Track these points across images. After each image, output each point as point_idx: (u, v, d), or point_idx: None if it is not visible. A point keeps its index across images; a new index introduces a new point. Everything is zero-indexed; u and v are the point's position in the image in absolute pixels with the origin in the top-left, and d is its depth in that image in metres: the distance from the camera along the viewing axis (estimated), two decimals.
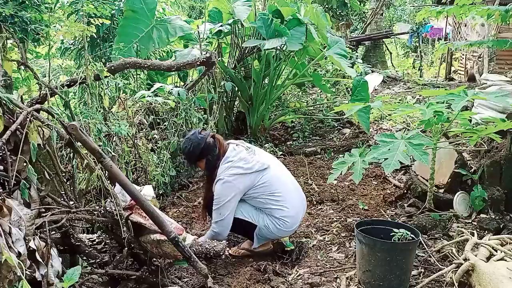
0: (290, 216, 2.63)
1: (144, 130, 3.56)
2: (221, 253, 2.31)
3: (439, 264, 2.46)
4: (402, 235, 2.25)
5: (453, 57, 10.36)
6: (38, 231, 1.76)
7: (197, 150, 2.64)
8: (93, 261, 2.09)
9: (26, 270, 1.49)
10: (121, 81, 3.35)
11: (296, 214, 2.68)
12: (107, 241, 2.28)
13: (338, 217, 3.26)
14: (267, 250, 2.78)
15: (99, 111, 2.82)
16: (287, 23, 4.67)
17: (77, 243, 2.02)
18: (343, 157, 2.93)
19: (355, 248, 2.64)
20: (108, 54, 3.97)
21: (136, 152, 3.26)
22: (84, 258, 2.10)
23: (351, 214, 3.31)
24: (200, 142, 2.63)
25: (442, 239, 2.75)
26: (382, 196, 3.62)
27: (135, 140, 3.23)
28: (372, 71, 8.55)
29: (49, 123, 1.96)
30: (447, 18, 10.38)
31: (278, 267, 2.61)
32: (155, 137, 3.67)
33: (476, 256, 2.28)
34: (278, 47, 4.63)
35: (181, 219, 3.34)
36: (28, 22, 2.55)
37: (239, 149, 2.67)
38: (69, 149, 2.29)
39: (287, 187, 2.69)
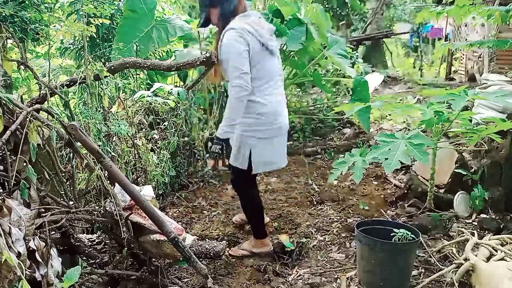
0: (268, 112, 2.52)
1: (144, 130, 3.55)
2: (221, 253, 2.31)
3: (439, 264, 2.45)
4: (402, 235, 2.24)
5: (454, 57, 10.36)
6: (38, 231, 1.76)
7: None
8: (93, 261, 2.09)
9: (26, 270, 1.49)
10: (121, 81, 3.34)
11: (274, 111, 2.56)
12: (107, 241, 2.28)
13: (338, 217, 3.26)
14: (267, 251, 2.78)
15: (99, 111, 2.81)
16: (287, 23, 4.66)
17: (77, 243, 2.02)
18: (344, 157, 2.93)
19: (355, 248, 2.64)
20: (108, 54, 3.96)
21: (135, 152, 3.26)
22: (84, 258, 2.10)
23: (352, 214, 3.31)
24: None
25: (442, 239, 2.75)
26: (382, 196, 3.62)
27: (135, 140, 3.23)
28: (373, 71, 8.55)
29: (49, 123, 1.96)
30: (447, 18, 10.38)
31: (278, 267, 2.61)
32: (155, 137, 3.67)
33: (476, 256, 2.28)
34: (278, 47, 4.62)
35: (181, 219, 3.34)
36: (28, 22, 2.55)
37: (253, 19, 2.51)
38: (69, 149, 2.29)
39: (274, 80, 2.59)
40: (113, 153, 2.63)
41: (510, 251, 2.30)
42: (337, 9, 10.99)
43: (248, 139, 2.56)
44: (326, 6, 10.67)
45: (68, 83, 2.62)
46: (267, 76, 2.53)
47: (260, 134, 2.55)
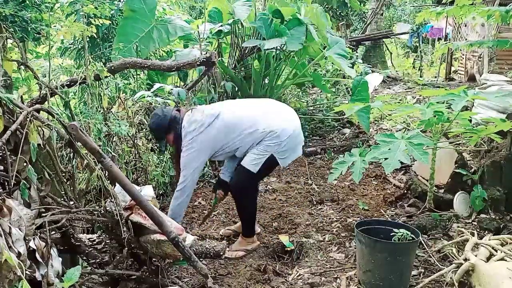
0: (276, 133, 2.65)
1: (144, 130, 3.56)
2: (221, 253, 2.31)
3: (439, 264, 2.45)
4: (402, 235, 2.24)
5: (453, 57, 10.36)
6: (38, 231, 1.76)
7: (165, 123, 2.68)
8: (93, 261, 2.09)
9: (26, 270, 1.49)
10: (121, 81, 3.35)
11: (282, 128, 2.67)
12: (107, 241, 2.28)
13: (338, 217, 3.26)
14: (257, 245, 2.86)
15: (99, 111, 2.82)
16: (287, 23, 4.67)
17: (77, 243, 2.02)
18: (343, 157, 2.93)
19: (355, 248, 2.64)
20: (108, 54, 3.97)
21: (136, 152, 3.26)
22: (84, 258, 2.10)
23: (351, 214, 3.31)
24: (166, 115, 2.69)
25: (442, 239, 2.75)
26: (382, 196, 3.62)
27: (135, 140, 3.23)
28: (372, 71, 8.55)
29: (49, 123, 1.96)
30: (447, 18, 10.38)
31: (278, 267, 2.61)
32: None
33: (476, 256, 2.28)
34: (278, 47, 4.63)
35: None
36: (29, 22, 2.55)
37: (192, 113, 2.72)
38: (69, 149, 2.29)
39: (253, 114, 2.72)
40: (113, 153, 2.63)
41: (510, 251, 2.30)
42: (337, 9, 10.99)
43: None
44: (326, 6, 10.68)
45: (68, 83, 2.62)
46: (236, 129, 2.68)
47: None
